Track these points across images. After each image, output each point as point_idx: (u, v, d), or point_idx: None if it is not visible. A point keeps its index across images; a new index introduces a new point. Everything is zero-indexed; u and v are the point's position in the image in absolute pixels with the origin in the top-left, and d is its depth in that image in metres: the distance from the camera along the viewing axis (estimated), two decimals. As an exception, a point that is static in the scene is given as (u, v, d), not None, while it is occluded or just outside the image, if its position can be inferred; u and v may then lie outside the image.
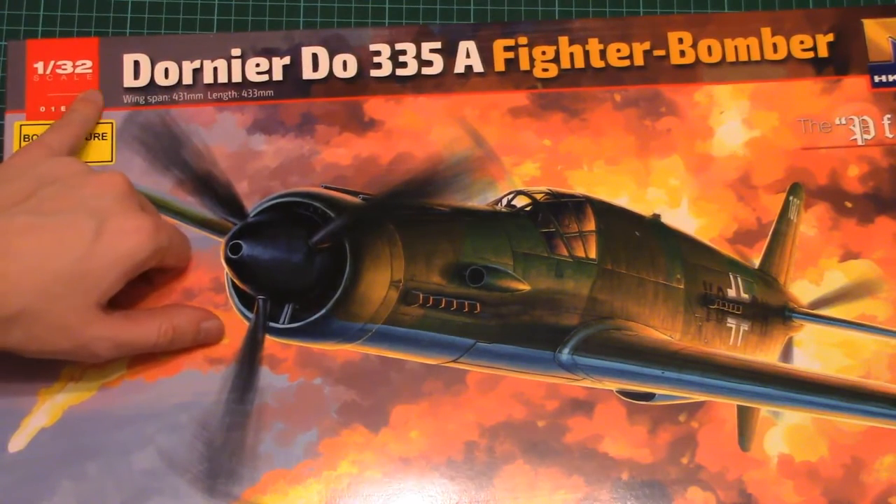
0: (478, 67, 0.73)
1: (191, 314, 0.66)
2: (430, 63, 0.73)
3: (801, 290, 0.71)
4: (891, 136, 0.73)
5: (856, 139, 0.72)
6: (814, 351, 0.70)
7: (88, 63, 0.72)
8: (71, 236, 0.60)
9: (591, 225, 0.70)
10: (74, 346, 0.62)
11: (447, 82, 0.72)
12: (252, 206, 0.68)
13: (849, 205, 0.72)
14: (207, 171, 0.68)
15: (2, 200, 0.61)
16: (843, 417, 0.67)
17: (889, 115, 0.73)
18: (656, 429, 0.67)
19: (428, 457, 0.66)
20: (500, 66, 0.73)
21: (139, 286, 0.66)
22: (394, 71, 0.72)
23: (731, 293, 0.73)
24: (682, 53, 0.74)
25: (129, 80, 0.72)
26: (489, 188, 0.70)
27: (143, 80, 0.72)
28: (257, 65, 0.72)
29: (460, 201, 0.69)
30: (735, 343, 0.73)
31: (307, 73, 0.72)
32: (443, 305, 0.65)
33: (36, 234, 0.59)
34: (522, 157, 0.71)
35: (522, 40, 0.73)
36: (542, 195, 0.70)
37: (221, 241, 0.66)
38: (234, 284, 0.66)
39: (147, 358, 0.66)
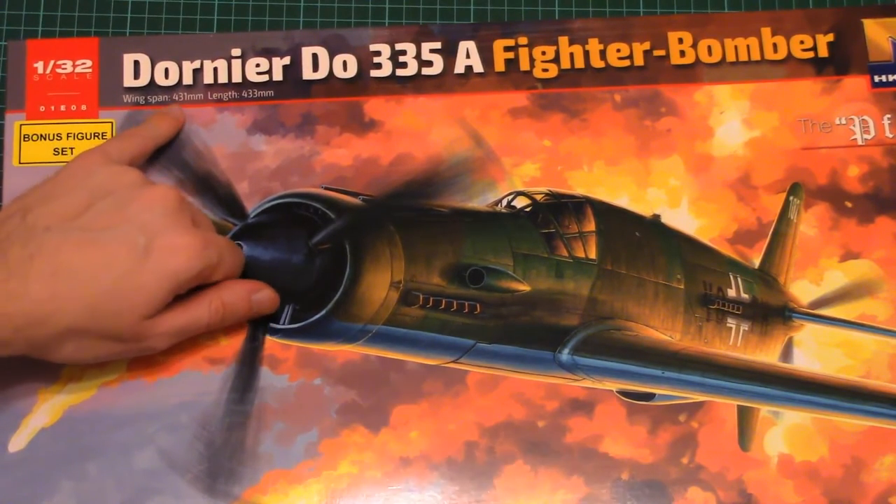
0: (478, 68, 0.73)
1: (240, 289, 0.64)
2: (430, 63, 0.73)
3: (802, 290, 0.71)
4: (891, 135, 0.73)
5: (856, 139, 0.72)
6: (814, 351, 0.70)
7: (88, 63, 0.72)
8: (119, 254, 0.59)
9: (591, 225, 0.70)
10: (130, 348, 0.62)
11: (447, 83, 0.72)
12: (252, 206, 0.68)
13: (849, 205, 0.72)
14: (207, 172, 0.69)
15: (57, 214, 0.61)
16: (843, 417, 0.67)
17: (889, 115, 0.73)
18: (656, 429, 0.67)
19: (428, 457, 0.66)
20: (500, 66, 0.73)
21: None
22: (394, 71, 0.72)
23: (732, 293, 0.73)
24: (682, 53, 0.74)
25: (129, 80, 0.72)
26: (489, 189, 0.70)
27: (144, 80, 0.72)
28: (257, 65, 0.72)
29: (460, 202, 0.69)
30: (735, 343, 0.73)
31: (307, 74, 0.72)
32: (443, 306, 0.66)
33: (86, 252, 0.59)
34: (522, 158, 0.71)
35: (522, 40, 0.73)
36: (542, 196, 0.70)
37: (221, 241, 0.66)
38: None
39: (147, 358, 0.66)
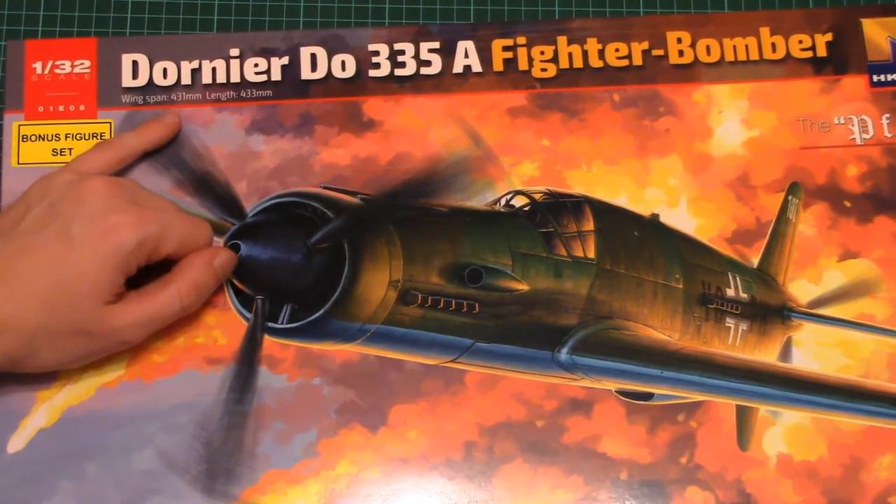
0: (476, 67, 0.73)
1: (199, 262, 0.64)
2: (428, 63, 0.73)
3: (800, 290, 0.71)
4: (889, 135, 0.73)
5: (854, 139, 0.72)
6: (813, 350, 0.70)
7: (87, 63, 0.72)
8: (55, 248, 0.60)
9: (589, 225, 0.70)
10: (104, 343, 0.63)
11: (446, 82, 0.72)
12: (251, 206, 0.68)
13: (847, 204, 0.72)
14: (206, 172, 0.69)
15: (0, 229, 0.62)
16: (842, 417, 0.67)
17: (888, 115, 0.73)
18: (655, 428, 0.67)
19: (427, 457, 0.66)
20: (498, 65, 0.73)
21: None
22: (392, 71, 0.72)
23: (730, 293, 0.73)
24: (681, 53, 0.74)
25: (127, 80, 0.72)
26: (488, 188, 0.70)
27: (142, 80, 0.72)
28: (256, 65, 0.72)
29: (459, 201, 0.69)
30: (734, 343, 0.73)
31: (306, 74, 0.72)
32: (441, 305, 0.66)
33: (26, 254, 0.60)
34: (521, 157, 0.71)
35: (521, 40, 0.73)
36: (541, 195, 0.70)
37: (220, 241, 0.66)
38: (232, 284, 0.67)
39: (145, 359, 0.66)
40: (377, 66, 0.73)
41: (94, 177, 0.64)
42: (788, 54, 0.74)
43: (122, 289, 0.62)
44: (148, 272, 0.64)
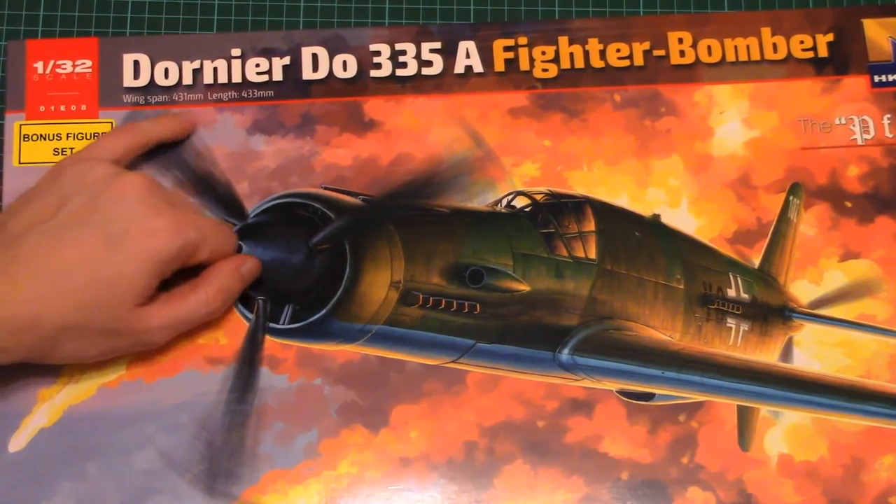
0: (477, 68, 0.73)
1: (228, 269, 0.64)
2: (429, 63, 0.73)
3: (801, 290, 0.71)
4: (890, 135, 0.73)
5: (855, 139, 0.72)
6: (813, 351, 0.70)
7: (88, 63, 0.72)
8: (94, 246, 0.60)
9: (590, 225, 0.70)
10: (128, 343, 0.63)
11: (447, 83, 0.72)
12: (252, 206, 0.68)
13: (848, 204, 0.72)
14: (207, 172, 0.69)
15: (33, 219, 0.61)
16: (843, 417, 0.67)
17: (889, 115, 0.73)
18: (656, 429, 0.67)
19: (428, 457, 0.66)
20: (499, 66, 0.73)
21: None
22: (394, 71, 0.72)
23: (731, 293, 0.73)
24: (682, 53, 0.74)
25: (128, 80, 0.72)
26: (489, 189, 0.70)
27: (143, 80, 0.72)
28: (257, 65, 0.72)
29: (460, 202, 0.69)
30: (735, 343, 0.73)
31: (307, 74, 0.72)
32: (443, 306, 0.66)
33: (62, 250, 0.60)
34: (522, 158, 0.71)
35: (522, 40, 0.73)
36: (542, 196, 0.70)
37: (221, 241, 0.66)
38: (234, 285, 0.67)
39: (146, 358, 0.66)
40: (378, 66, 0.73)
41: (133, 173, 0.63)
42: (789, 54, 0.74)
43: (155, 292, 0.62)
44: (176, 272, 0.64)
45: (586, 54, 0.73)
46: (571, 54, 0.73)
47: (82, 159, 0.65)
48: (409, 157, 0.71)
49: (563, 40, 0.74)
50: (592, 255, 0.69)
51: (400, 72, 0.72)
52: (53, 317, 0.59)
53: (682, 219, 0.71)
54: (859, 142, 0.72)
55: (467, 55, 0.73)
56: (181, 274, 0.63)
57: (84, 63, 0.72)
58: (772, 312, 0.73)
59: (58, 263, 0.59)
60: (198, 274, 0.64)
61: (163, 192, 0.64)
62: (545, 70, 0.73)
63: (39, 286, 0.59)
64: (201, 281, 0.64)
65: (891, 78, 0.74)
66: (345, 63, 0.73)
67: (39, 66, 0.72)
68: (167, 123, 0.69)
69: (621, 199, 0.71)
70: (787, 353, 0.71)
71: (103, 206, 0.61)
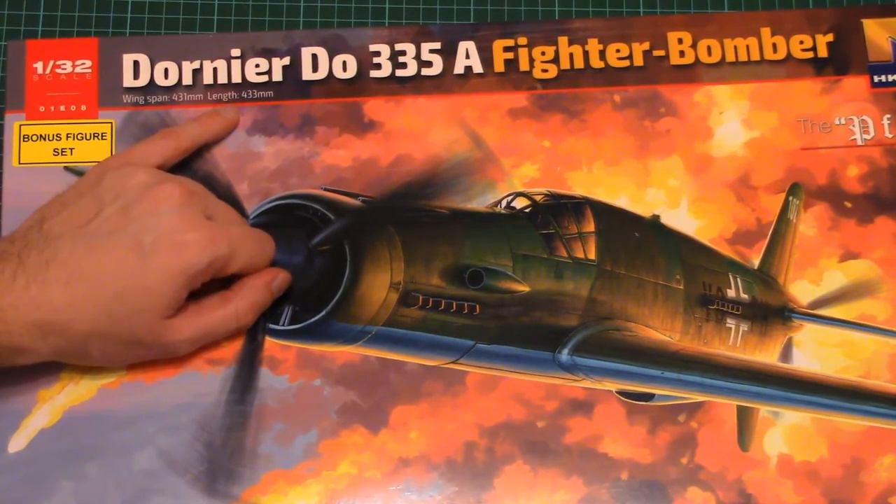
0: (477, 68, 0.73)
1: (259, 284, 0.64)
2: (429, 64, 0.73)
3: (801, 291, 0.71)
4: (890, 136, 0.73)
5: (855, 139, 0.72)
6: (813, 351, 0.70)
7: (88, 63, 0.72)
8: (126, 257, 0.59)
9: (590, 226, 0.70)
10: (154, 352, 0.63)
11: (447, 83, 0.72)
12: (252, 207, 0.68)
13: (848, 205, 0.72)
14: (207, 173, 0.69)
15: (69, 221, 0.61)
16: (843, 417, 0.67)
17: (889, 115, 0.73)
18: (656, 429, 0.67)
19: (427, 457, 0.66)
20: (499, 66, 0.73)
21: None
22: (393, 72, 0.72)
23: (731, 293, 0.73)
24: (682, 54, 0.74)
25: (128, 81, 0.72)
26: (489, 190, 0.70)
27: (143, 81, 0.72)
28: (257, 65, 0.72)
29: (460, 203, 0.69)
30: (734, 343, 0.73)
31: (307, 74, 0.72)
32: (442, 307, 0.66)
33: (95, 257, 0.59)
34: (522, 159, 0.71)
35: (522, 41, 0.73)
36: (542, 196, 0.70)
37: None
38: (234, 286, 0.67)
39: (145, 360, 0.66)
40: (378, 66, 0.72)
41: (170, 183, 0.63)
42: (789, 55, 0.74)
43: (184, 303, 0.62)
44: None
45: (586, 55, 0.73)
46: (571, 55, 0.73)
47: (124, 163, 0.65)
48: (409, 158, 0.71)
49: (562, 40, 0.74)
50: (592, 255, 0.69)
51: (400, 72, 0.72)
52: (83, 325, 0.59)
53: (682, 219, 0.71)
54: (859, 142, 0.72)
55: (467, 55, 0.73)
56: (213, 280, 0.63)
57: (84, 63, 0.72)
58: (771, 313, 0.73)
59: (90, 271, 0.59)
60: (229, 283, 0.64)
61: (200, 201, 0.63)
62: (545, 70, 0.73)
63: (71, 292, 0.59)
64: (232, 294, 0.64)
65: (891, 78, 0.73)
66: (345, 63, 0.72)
67: (39, 66, 0.72)
68: (209, 124, 0.70)
69: (621, 200, 0.71)
70: (786, 354, 0.71)
71: (138, 216, 0.61)
